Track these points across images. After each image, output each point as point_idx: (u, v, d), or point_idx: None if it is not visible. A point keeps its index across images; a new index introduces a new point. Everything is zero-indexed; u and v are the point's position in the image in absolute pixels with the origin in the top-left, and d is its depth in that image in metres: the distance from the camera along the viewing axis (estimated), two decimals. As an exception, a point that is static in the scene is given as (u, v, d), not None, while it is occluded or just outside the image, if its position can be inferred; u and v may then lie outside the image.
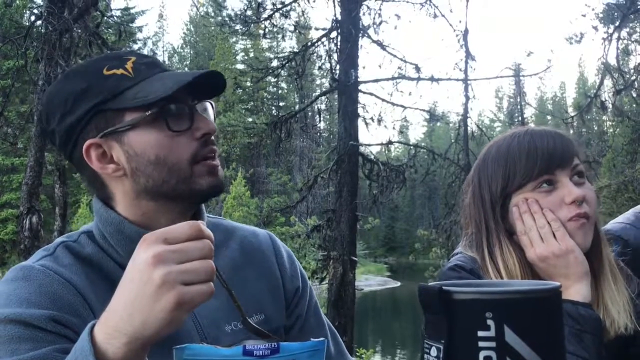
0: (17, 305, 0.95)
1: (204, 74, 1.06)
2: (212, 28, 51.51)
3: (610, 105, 9.38)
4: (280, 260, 1.29)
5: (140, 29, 40.99)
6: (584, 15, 10.60)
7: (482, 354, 0.67)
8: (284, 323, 1.24)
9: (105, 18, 7.61)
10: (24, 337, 0.91)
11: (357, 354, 10.39)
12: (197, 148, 1.07)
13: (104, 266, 1.07)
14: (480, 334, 0.67)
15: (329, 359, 1.27)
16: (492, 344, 0.67)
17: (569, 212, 1.25)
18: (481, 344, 0.67)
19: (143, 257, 0.79)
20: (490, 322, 0.67)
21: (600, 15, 10.41)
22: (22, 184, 6.21)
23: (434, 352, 0.70)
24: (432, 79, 10.14)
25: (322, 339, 0.94)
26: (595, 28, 10.13)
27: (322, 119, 14.04)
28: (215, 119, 1.15)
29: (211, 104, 1.15)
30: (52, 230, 8.50)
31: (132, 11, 37.90)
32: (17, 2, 28.88)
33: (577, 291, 1.22)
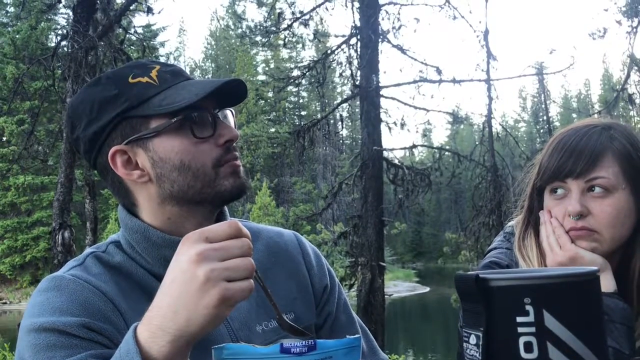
0: (51, 314, 0.97)
1: (227, 81, 1.08)
2: (233, 41, 52.04)
3: (639, 98, 9.21)
4: (307, 258, 1.30)
5: (163, 44, 41.58)
6: (606, 10, 10.46)
7: (522, 340, 0.68)
8: (314, 321, 1.25)
9: (128, 35, 7.75)
10: (58, 344, 0.94)
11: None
12: (220, 154, 1.09)
13: (133, 274, 1.09)
14: (520, 319, 0.68)
15: (361, 356, 1.27)
16: (532, 329, 0.67)
17: (567, 224, 1.27)
18: (520, 329, 0.68)
19: (186, 255, 0.81)
20: (529, 308, 0.67)
21: (623, 8, 10.24)
22: (54, 200, 6.33)
23: (473, 339, 0.71)
24: (454, 80, 10.10)
25: (357, 335, 0.94)
26: (619, 22, 9.98)
27: (344, 125, 14.05)
28: (235, 125, 1.17)
29: (231, 112, 1.17)
30: (84, 245, 8.65)
31: (153, 27, 38.46)
32: (42, 24, 29.57)
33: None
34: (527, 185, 1.40)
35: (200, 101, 1.05)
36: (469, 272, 0.73)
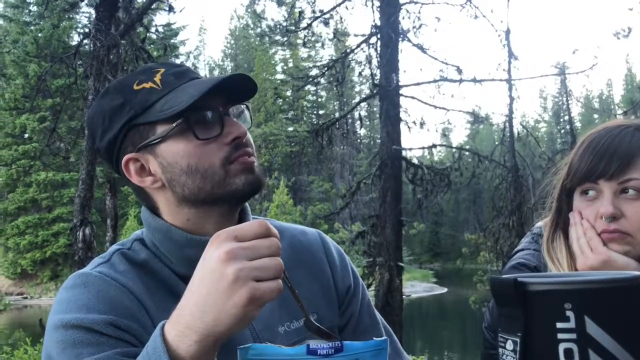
0: (77, 311, 0.97)
1: (226, 78, 1.05)
2: (252, 40, 52.24)
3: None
4: (330, 258, 1.28)
5: (183, 42, 41.80)
6: (630, 9, 10.28)
7: (562, 346, 0.65)
8: (337, 322, 1.23)
9: (149, 34, 7.79)
10: (85, 341, 0.93)
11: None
12: (228, 152, 1.06)
13: (158, 272, 1.09)
14: (560, 325, 0.65)
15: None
16: (573, 336, 0.65)
17: (599, 226, 1.24)
18: (560, 335, 0.65)
19: (215, 254, 0.80)
20: (569, 313, 0.65)
21: (649, 7, 10.06)
22: (75, 196, 6.40)
23: (509, 345, 0.68)
24: (474, 80, 10.02)
25: (384, 337, 0.92)
26: (644, 21, 9.81)
27: (362, 125, 14.03)
28: (251, 119, 1.15)
29: (247, 107, 1.14)
30: (104, 241, 8.73)
31: (173, 26, 38.71)
32: (64, 23, 29.96)
33: None
34: (555, 186, 1.37)
35: (205, 100, 1.03)
36: (506, 276, 0.70)
